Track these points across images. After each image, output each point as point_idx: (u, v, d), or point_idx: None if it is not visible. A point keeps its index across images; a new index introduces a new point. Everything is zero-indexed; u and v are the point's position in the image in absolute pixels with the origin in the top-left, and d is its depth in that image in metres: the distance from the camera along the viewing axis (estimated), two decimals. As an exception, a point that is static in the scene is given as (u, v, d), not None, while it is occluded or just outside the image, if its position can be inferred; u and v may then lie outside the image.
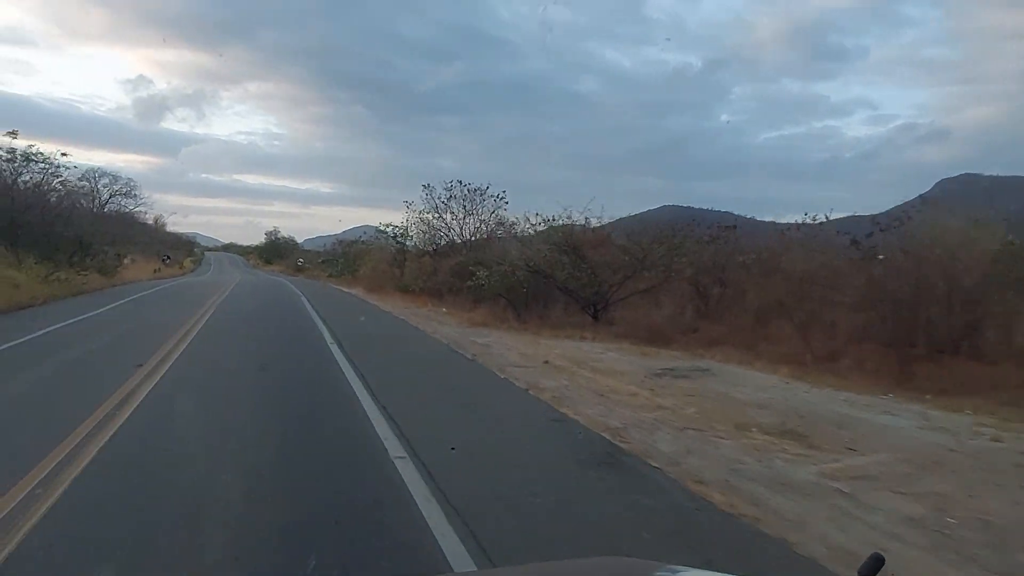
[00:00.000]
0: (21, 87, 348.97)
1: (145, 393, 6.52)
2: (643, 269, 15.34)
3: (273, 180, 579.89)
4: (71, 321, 13.32)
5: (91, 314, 15.05)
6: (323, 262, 45.78)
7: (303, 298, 22.65)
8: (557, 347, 12.35)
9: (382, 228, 34.46)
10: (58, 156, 26.14)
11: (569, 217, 16.10)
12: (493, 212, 23.96)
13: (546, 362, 10.48)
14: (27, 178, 25.92)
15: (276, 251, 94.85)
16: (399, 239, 27.17)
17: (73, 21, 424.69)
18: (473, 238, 24.70)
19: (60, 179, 26.63)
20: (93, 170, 64.17)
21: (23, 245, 23.47)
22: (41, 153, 25.28)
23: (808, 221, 19.86)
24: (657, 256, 15.16)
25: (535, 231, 17.94)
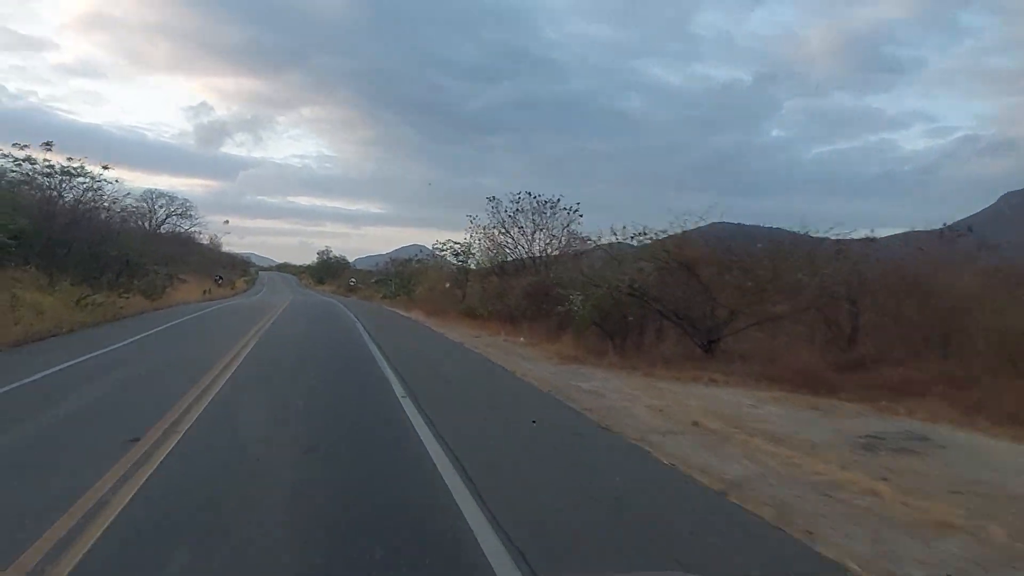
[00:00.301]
0: (92, 117, 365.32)
1: (120, 509, 3.90)
2: (776, 291, 12.30)
3: (325, 201, 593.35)
4: (84, 358, 11.00)
5: (113, 347, 12.79)
6: (376, 282, 43.43)
7: (359, 324, 20.26)
8: (688, 396, 9.44)
9: (439, 246, 32.20)
10: (100, 170, 24.52)
11: (680, 227, 13.14)
12: (566, 226, 21.22)
13: (695, 424, 7.58)
14: (70, 196, 24.48)
15: (328, 271, 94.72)
16: (461, 257, 24.61)
17: (140, 52, 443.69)
18: (543, 255, 21.98)
19: (98, 191, 24.97)
20: (150, 191, 64.61)
21: (63, 265, 21.87)
22: (83, 167, 23.71)
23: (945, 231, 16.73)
24: (795, 274, 12.10)
25: (631, 244, 15.02)
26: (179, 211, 68.74)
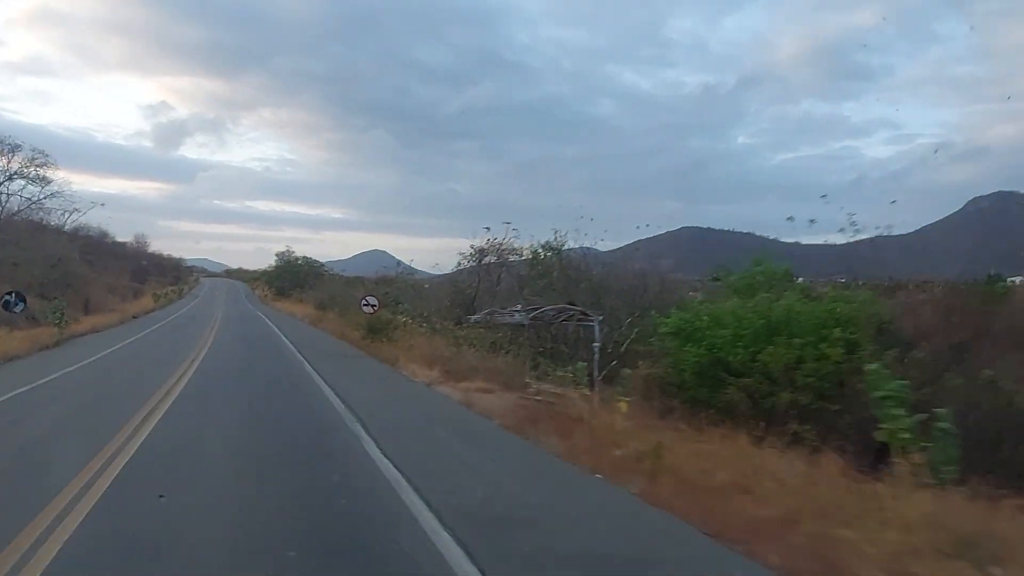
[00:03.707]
0: (39, 117, 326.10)
1: None
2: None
3: (284, 206, 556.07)
4: None
5: None
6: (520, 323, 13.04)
7: None
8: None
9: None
10: None
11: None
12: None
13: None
14: None
15: (293, 278, 65.09)
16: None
17: (92, 50, 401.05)
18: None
19: None
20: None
21: None
22: None
23: None
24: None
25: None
26: (27, 169, 39.60)
